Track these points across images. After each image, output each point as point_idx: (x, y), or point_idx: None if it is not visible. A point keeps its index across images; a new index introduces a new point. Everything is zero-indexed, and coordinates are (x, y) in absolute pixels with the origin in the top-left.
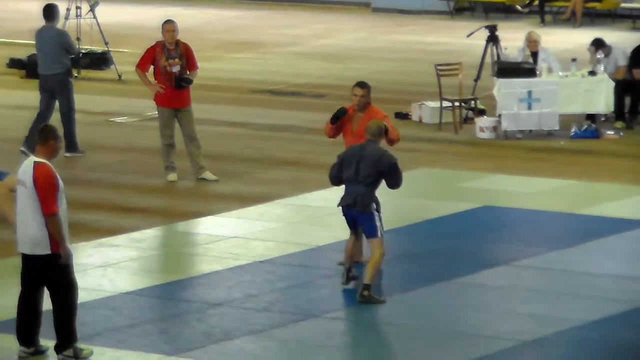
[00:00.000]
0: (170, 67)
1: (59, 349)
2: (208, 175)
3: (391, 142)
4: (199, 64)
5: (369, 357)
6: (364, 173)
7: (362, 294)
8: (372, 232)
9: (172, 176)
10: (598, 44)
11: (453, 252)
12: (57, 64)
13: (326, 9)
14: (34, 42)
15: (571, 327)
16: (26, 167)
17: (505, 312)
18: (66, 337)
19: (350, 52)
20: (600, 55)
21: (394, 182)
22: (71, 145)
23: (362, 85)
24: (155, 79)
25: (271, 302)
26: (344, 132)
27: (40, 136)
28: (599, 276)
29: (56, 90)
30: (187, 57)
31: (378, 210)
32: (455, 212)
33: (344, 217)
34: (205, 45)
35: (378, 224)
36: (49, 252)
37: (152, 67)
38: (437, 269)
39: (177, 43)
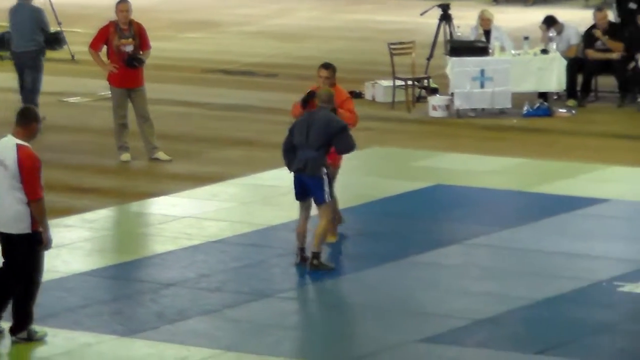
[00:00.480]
0: (124, 47)
1: (14, 331)
2: (161, 155)
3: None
4: (152, 44)
5: (322, 336)
6: (313, 137)
7: (312, 262)
8: (320, 197)
9: (126, 156)
10: (550, 21)
11: (406, 231)
12: (31, 41)
13: None
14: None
15: (523, 305)
16: (6, 148)
17: (458, 290)
18: (23, 319)
19: (304, 32)
20: (552, 33)
21: (345, 145)
22: None
23: (327, 66)
24: (109, 59)
25: (224, 282)
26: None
27: (22, 118)
28: (551, 254)
29: (26, 66)
30: (140, 37)
31: (328, 176)
32: (408, 191)
33: (294, 186)
34: (158, 25)
35: (327, 189)
36: (29, 231)
37: (105, 47)
38: (389, 248)
39: (131, 23)
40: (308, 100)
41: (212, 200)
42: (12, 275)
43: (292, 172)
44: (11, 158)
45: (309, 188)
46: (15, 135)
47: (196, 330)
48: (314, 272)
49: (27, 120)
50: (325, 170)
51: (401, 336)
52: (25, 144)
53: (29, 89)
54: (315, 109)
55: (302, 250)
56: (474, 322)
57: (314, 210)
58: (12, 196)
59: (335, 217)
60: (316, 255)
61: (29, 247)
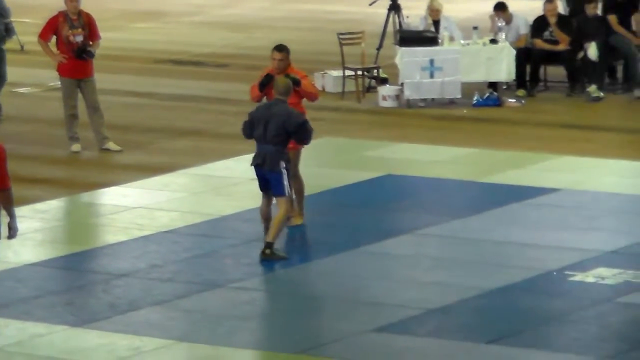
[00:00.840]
0: (73, 37)
1: None
2: (112, 145)
3: (309, 97)
4: (102, 34)
5: (275, 326)
6: (272, 133)
7: (264, 252)
8: (279, 190)
9: (76, 147)
10: (500, 7)
11: (357, 221)
12: None
13: None
14: None
15: (474, 295)
16: None
17: (409, 280)
18: None
19: (254, 22)
20: (501, 23)
21: (303, 139)
22: None
23: (280, 48)
24: (58, 49)
25: (176, 272)
26: (268, 96)
27: None
28: (501, 244)
29: None
30: (89, 27)
31: (287, 169)
32: (358, 181)
33: (256, 177)
34: (107, 15)
35: (285, 182)
36: None
37: (54, 37)
38: (341, 238)
39: (80, 13)
40: (266, 83)
41: (163, 190)
42: None
43: (252, 166)
44: None
45: (268, 181)
46: None
47: (148, 321)
48: (266, 261)
49: None
50: (284, 164)
51: (353, 326)
52: None
53: None
54: (273, 100)
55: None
56: (426, 311)
57: None
58: None
59: (300, 199)
60: (269, 245)
61: None
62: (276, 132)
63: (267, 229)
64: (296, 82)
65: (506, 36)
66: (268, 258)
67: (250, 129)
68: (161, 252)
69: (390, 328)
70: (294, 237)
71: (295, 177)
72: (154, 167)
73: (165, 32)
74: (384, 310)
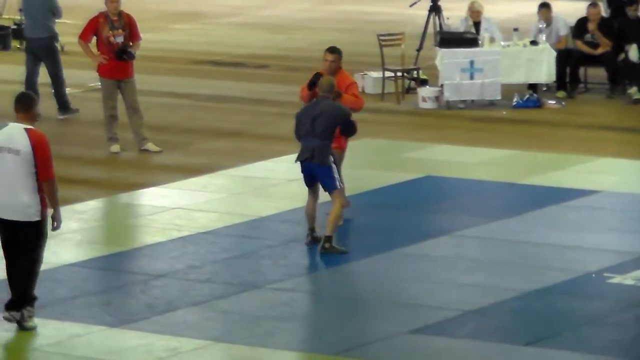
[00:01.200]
0: (114, 37)
1: (8, 307)
2: (151, 146)
3: (352, 110)
4: (141, 35)
5: (312, 327)
6: (320, 127)
7: (323, 246)
8: (331, 184)
9: (115, 147)
10: (545, 5)
11: (395, 223)
12: (44, 27)
13: None
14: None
15: (513, 296)
16: (15, 134)
17: (447, 282)
18: (22, 298)
19: (293, 23)
20: (542, 25)
21: (350, 131)
22: (63, 107)
23: (333, 50)
24: (98, 50)
25: (214, 273)
26: (316, 95)
27: (22, 103)
28: (540, 246)
29: (42, 54)
30: (130, 28)
31: (335, 163)
32: (398, 182)
33: (302, 174)
34: (147, 16)
35: (336, 175)
36: (39, 218)
37: (95, 38)
38: (379, 240)
39: (121, 14)
40: (315, 82)
41: (201, 191)
42: (19, 259)
43: (299, 161)
44: (23, 143)
45: (317, 176)
46: (20, 120)
47: (186, 322)
48: (326, 254)
49: (27, 106)
50: (332, 158)
51: (391, 328)
52: (32, 127)
53: (52, 75)
54: (318, 98)
55: (312, 230)
56: (464, 313)
57: (322, 193)
58: (23, 184)
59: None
60: (328, 239)
61: (38, 234)
62: (324, 126)
63: (311, 228)
64: (337, 95)
65: (546, 37)
66: (328, 252)
67: (298, 129)
68: (199, 253)
69: (428, 330)
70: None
71: None
72: (193, 168)
73: (204, 33)
74: (422, 312)
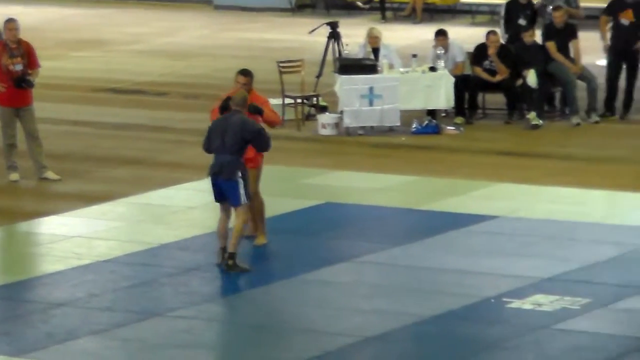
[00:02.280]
0: (13, 65)
1: None
2: (50, 174)
3: (271, 124)
4: (41, 63)
5: (212, 355)
6: (230, 142)
7: (227, 264)
8: (236, 200)
9: (14, 176)
10: (441, 32)
11: (295, 249)
12: None
13: (168, 7)
14: None
15: (413, 322)
16: None
17: (347, 308)
18: None
19: (193, 50)
20: (440, 51)
21: (262, 146)
22: None
23: (245, 73)
24: None
25: (114, 301)
26: None
27: None
28: (440, 271)
29: None
30: (29, 56)
31: (243, 179)
32: (298, 209)
33: (212, 188)
34: (46, 44)
35: (242, 191)
36: None
37: None
38: (279, 267)
39: (19, 42)
40: (227, 107)
41: (101, 219)
42: None
43: (209, 176)
44: None
45: (225, 191)
46: None
47: (86, 350)
48: (230, 272)
49: None
50: (240, 173)
51: (290, 354)
52: None
53: None
54: (231, 112)
55: (223, 250)
56: (364, 339)
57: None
58: None
59: (261, 218)
60: (232, 255)
61: None
62: (233, 140)
63: (222, 248)
64: (258, 111)
65: (444, 64)
66: (232, 269)
67: (208, 143)
68: (99, 281)
69: (328, 357)
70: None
71: (256, 196)
72: (93, 195)
73: (105, 61)
74: (323, 339)
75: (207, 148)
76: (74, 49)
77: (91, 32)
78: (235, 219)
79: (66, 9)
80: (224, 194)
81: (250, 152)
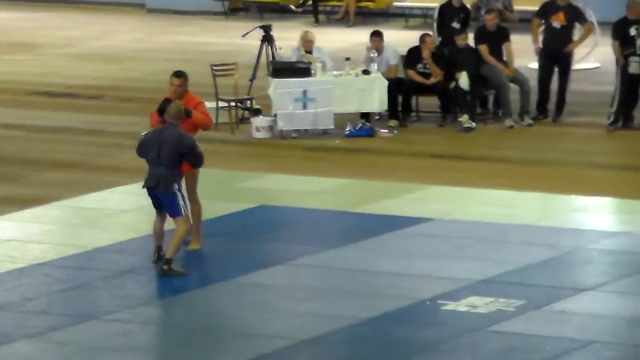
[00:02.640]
0: None
1: None
2: None
3: (202, 126)
4: None
5: (147, 358)
6: (165, 155)
7: (162, 268)
8: (175, 212)
9: None
10: (377, 33)
11: (230, 252)
12: None
13: (101, 10)
14: None
15: (347, 324)
16: None
17: (283, 311)
18: None
19: (126, 53)
20: (373, 53)
21: (195, 161)
22: None
23: (178, 74)
24: None
25: (49, 304)
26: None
27: None
28: (375, 274)
29: None
30: None
31: (180, 190)
32: (232, 212)
33: (149, 198)
34: None
35: (181, 202)
36: None
37: None
38: (213, 270)
39: None
40: (164, 108)
41: (35, 222)
42: None
43: (144, 188)
44: None
45: (162, 203)
46: None
47: (21, 354)
48: (165, 276)
49: None
50: (177, 186)
51: (226, 357)
52: None
53: None
54: (166, 124)
55: (159, 248)
56: (299, 342)
57: None
58: None
59: (197, 223)
60: (168, 261)
61: None
62: (169, 154)
63: (159, 246)
64: (187, 113)
65: (378, 66)
66: (167, 274)
67: (141, 150)
68: (34, 285)
69: (263, 359)
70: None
71: (193, 201)
72: (26, 199)
73: (38, 64)
74: (256, 341)
75: (140, 154)
76: (6, 52)
77: (23, 36)
78: (176, 228)
79: None
80: (159, 204)
81: None
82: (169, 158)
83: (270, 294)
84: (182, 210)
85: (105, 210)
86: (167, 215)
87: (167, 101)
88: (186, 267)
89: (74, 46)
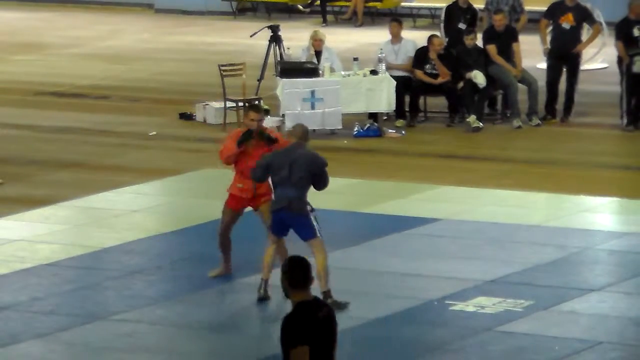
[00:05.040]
0: None
1: None
2: None
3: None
4: None
5: (158, 358)
6: (297, 175)
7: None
8: (309, 234)
9: None
10: (397, 20)
11: (236, 253)
12: None
13: (109, 10)
14: None
15: (355, 325)
16: None
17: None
18: None
19: (134, 53)
20: (382, 54)
21: (325, 183)
22: None
23: (257, 109)
24: None
25: (57, 305)
26: (244, 153)
27: None
28: (382, 274)
29: None
30: None
31: (313, 210)
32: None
33: (273, 222)
34: None
35: (315, 223)
36: None
37: None
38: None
39: None
40: (246, 140)
41: (44, 222)
42: None
43: (273, 212)
44: None
45: (292, 226)
46: None
47: (29, 354)
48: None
49: None
50: (310, 206)
51: (233, 358)
52: None
53: None
54: (292, 144)
55: (266, 282)
56: None
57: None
58: None
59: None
60: (327, 294)
61: None
62: (302, 174)
63: (265, 280)
64: (272, 141)
65: (396, 57)
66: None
67: (263, 173)
68: (42, 285)
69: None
70: (174, 270)
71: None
72: (35, 199)
73: (45, 65)
74: (265, 342)
75: (260, 177)
76: (14, 53)
77: (32, 36)
78: (315, 255)
79: (5, 12)
80: (286, 229)
81: (264, 186)
82: (301, 178)
83: (277, 295)
84: (317, 231)
85: (113, 210)
86: (281, 246)
87: (249, 133)
88: (197, 267)
89: (81, 46)
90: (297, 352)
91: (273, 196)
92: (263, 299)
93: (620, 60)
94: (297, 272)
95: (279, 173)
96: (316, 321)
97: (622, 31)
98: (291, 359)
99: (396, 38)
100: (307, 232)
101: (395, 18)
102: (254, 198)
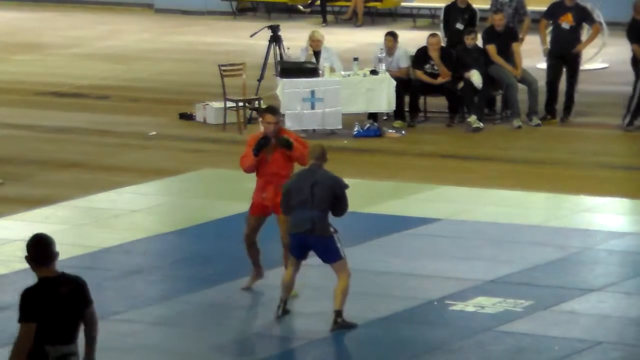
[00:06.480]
0: None
1: None
2: None
3: (301, 160)
4: None
5: (159, 357)
6: (319, 197)
7: (335, 321)
8: (334, 256)
9: None
10: (392, 34)
11: (238, 253)
12: None
13: (109, 10)
14: None
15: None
16: None
17: (292, 311)
18: None
19: (134, 53)
20: (381, 54)
21: (342, 208)
22: None
23: (273, 112)
24: None
25: None
26: (262, 161)
27: None
28: (382, 274)
29: None
30: None
31: (337, 232)
32: (240, 213)
33: (295, 244)
34: None
35: (339, 245)
36: None
37: None
38: (221, 270)
39: None
40: (263, 146)
41: (43, 223)
42: None
43: (294, 234)
44: None
45: (314, 248)
46: None
47: None
48: (338, 329)
49: None
50: (332, 228)
51: (235, 358)
52: None
53: None
54: (311, 165)
55: (285, 302)
56: (309, 342)
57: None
58: None
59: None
60: (339, 313)
61: None
62: (324, 196)
63: (285, 301)
64: (289, 146)
65: (387, 65)
66: (340, 327)
67: (287, 201)
68: None
69: (271, 359)
70: (176, 269)
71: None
72: (35, 199)
73: (45, 65)
74: (266, 342)
75: (286, 208)
76: (14, 53)
77: (31, 36)
78: (339, 277)
79: (5, 12)
80: (307, 251)
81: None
82: (323, 200)
83: (275, 295)
84: (342, 252)
85: (113, 210)
86: (300, 267)
87: (266, 139)
88: (194, 267)
89: (81, 46)
90: (22, 328)
91: (291, 219)
92: (281, 317)
93: (635, 62)
94: (40, 249)
95: (300, 195)
96: (57, 297)
97: (633, 33)
98: (18, 331)
99: (391, 51)
100: (331, 256)
101: (391, 32)
102: (276, 205)
